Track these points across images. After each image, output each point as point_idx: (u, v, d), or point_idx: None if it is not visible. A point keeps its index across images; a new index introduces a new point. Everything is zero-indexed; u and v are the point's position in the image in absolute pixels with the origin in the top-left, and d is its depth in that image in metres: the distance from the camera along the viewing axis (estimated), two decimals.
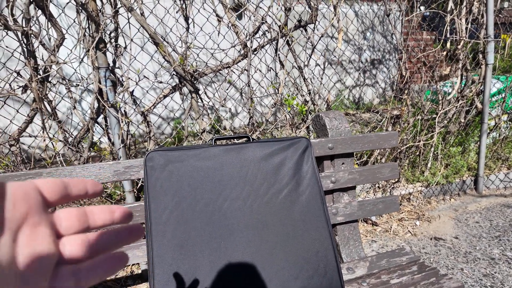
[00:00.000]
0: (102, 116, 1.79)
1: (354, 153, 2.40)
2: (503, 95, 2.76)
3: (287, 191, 0.98)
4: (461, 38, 2.29)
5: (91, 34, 1.45)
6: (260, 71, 1.90)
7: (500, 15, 2.90)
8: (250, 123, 1.88)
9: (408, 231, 2.20)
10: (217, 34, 1.86)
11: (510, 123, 2.86)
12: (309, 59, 1.91)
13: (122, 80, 1.60)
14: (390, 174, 1.33)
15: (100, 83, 1.50)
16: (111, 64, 1.60)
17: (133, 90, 1.72)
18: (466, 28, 2.29)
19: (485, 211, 2.41)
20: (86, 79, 1.63)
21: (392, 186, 2.18)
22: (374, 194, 2.30)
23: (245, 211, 0.87)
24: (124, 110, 1.74)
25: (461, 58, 2.36)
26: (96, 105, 1.61)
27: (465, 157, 2.69)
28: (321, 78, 2.01)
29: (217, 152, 0.90)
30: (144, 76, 1.69)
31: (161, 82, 1.70)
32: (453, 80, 2.52)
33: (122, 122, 1.59)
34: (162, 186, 0.84)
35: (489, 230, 2.17)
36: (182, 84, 1.71)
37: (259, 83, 1.89)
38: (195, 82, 1.73)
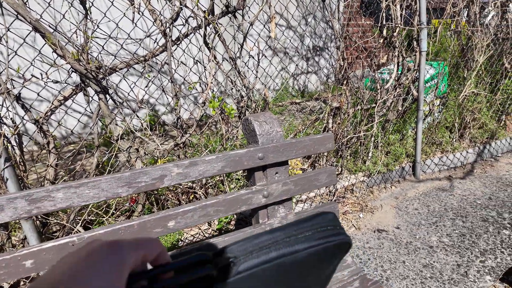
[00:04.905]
0: None
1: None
2: (436, 81, 2.83)
3: None
4: (397, 25, 2.24)
5: None
6: (184, 64, 1.65)
7: (431, 1, 2.94)
8: (178, 125, 1.64)
9: (352, 224, 2.17)
10: (128, 22, 1.57)
11: (442, 107, 2.96)
12: (241, 50, 1.70)
13: None
14: (328, 180, 1.20)
15: None
16: None
17: (19, 94, 1.37)
18: (401, 14, 2.25)
19: (423, 197, 2.47)
20: None
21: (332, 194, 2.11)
22: (312, 202, 2.22)
23: None
24: (11, 119, 1.39)
25: (397, 45, 2.33)
26: None
27: (403, 143, 2.73)
28: (256, 71, 1.82)
29: None
30: (32, 75, 1.35)
31: (56, 82, 1.37)
32: (390, 67, 2.49)
33: (3, 136, 1.26)
34: None
35: (427, 217, 2.22)
36: (86, 83, 1.41)
37: (184, 79, 1.64)
38: (102, 80, 1.44)
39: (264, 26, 1.72)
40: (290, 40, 2.34)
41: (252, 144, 1.15)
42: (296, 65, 2.11)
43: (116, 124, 1.50)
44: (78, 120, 1.49)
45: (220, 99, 1.34)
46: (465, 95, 2.81)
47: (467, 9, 2.58)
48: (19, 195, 0.80)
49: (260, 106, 1.96)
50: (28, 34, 1.29)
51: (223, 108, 1.45)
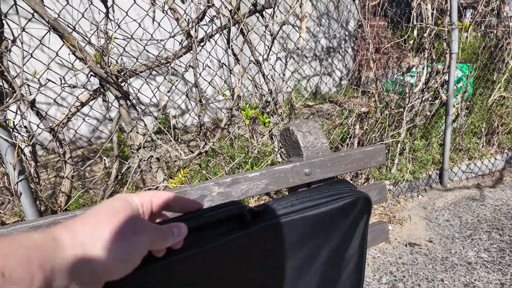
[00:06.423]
0: None
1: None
2: (462, 84, 2.70)
3: None
4: (428, 26, 2.12)
5: None
6: (209, 67, 1.53)
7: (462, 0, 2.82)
8: (201, 132, 1.52)
9: None
10: (150, 22, 1.47)
11: (467, 111, 2.83)
12: (269, 52, 1.58)
13: (12, 87, 1.14)
14: (378, 198, 1.08)
15: None
16: None
17: (34, 100, 1.25)
18: (432, 14, 2.12)
19: (453, 207, 2.33)
20: None
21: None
22: None
23: None
24: (25, 127, 1.27)
25: (427, 47, 2.20)
26: None
27: (429, 150, 2.60)
28: (283, 74, 1.70)
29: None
30: (48, 80, 1.24)
31: (74, 87, 1.26)
32: (418, 70, 2.37)
33: (19, 146, 1.14)
34: None
35: (460, 229, 2.08)
36: (105, 88, 1.29)
37: (209, 83, 1.52)
38: (123, 84, 1.32)
39: (293, 26, 1.60)
40: (319, 41, 2.22)
41: (293, 157, 1.03)
42: (325, 67, 2.00)
43: (137, 132, 1.38)
44: (97, 128, 1.37)
45: (254, 107, 1.22)
46: (494, 99, 2.67)
47: (499, 9, 2.46)
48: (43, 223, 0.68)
49: (286, 112, 1.84)
50: (45, 35, 1.18)
51: (257, 117, 1.33)
